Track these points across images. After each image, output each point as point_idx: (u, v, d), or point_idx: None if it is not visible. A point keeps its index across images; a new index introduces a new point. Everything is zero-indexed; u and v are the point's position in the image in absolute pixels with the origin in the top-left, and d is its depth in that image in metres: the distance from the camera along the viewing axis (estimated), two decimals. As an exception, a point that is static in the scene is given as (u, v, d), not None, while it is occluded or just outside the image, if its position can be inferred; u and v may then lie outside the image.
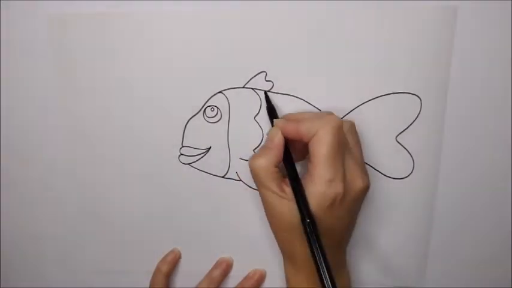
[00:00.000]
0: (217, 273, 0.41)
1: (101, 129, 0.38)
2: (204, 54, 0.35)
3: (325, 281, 0.29)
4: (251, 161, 0.32)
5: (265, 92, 0.36)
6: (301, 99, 0.36)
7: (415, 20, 0.33)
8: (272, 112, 0.35)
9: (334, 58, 0.34)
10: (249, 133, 0.37)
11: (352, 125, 0.34)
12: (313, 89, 0.35)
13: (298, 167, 0.33)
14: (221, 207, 0.39)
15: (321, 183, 0.30)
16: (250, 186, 0.38)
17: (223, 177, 0.38)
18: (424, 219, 0.39)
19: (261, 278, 0.41)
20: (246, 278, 0.41)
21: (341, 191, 0.30)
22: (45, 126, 0.38)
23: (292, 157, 0.33)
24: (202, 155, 0.38)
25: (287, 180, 0.32)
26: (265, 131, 0.37)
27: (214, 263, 0.41)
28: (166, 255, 0.41)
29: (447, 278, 0.41)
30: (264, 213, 0.34)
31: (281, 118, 0.34)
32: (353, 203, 0.32)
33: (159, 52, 0.35)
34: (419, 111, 0.35)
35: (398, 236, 0.39)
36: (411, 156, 0.37)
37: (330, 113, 0.34)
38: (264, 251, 0.40)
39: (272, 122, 0.34)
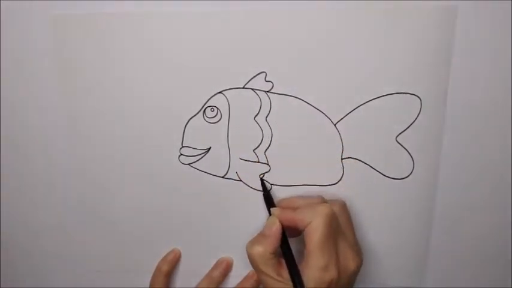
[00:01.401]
0: (217, 273, 0.41)
1: (101, 129, 0.38)
2: (204, 54, 0.35)
3: None
4: (248, 247, 0.34)
5: (261, 179, 0.38)
6: (301, 99, 0.36)
7: (415, 20, 0.33)
8: (268, 199, 0.37)
9: (334, 58, 0.34)
10: (249, 133, 0.37)
11: (343, 205, 0.36)
12: (313, 90, 0.35)
13: (294, 243, 0.34)
14: (221, 207, 0.39)
15: (316, 270, 0.32)
16: (250, 186, 0.38)
17: (223, 177, 0.38)
18: (424, 219, 0.39)
19: (261, 278, 0.41)
20: (246, 278, 0.41)
21: (335, 275, 0.32)
22: (46, 126, 0.38)
23: (289, 244, 0.34)
24: (202, 155, 0.38)
25: (283, 261, 0.34)
26: (265, 131, 0.37)
27: (214, 263, 0.41)
28: (167, 255, 0.41)
29: (447, 278, 0.41)
30: (264, 213, 0.35)
31: (277, 207, 0.36)
32: (346, 284, 0.33)
33: (159, 52, 0.35)
34: (419, 111, 0.35)
35: (398, 236, 0.39)
36: (411, 156, 0.37)
37: (323, 201, 0.36)
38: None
39: (269, 209, 0.36)
